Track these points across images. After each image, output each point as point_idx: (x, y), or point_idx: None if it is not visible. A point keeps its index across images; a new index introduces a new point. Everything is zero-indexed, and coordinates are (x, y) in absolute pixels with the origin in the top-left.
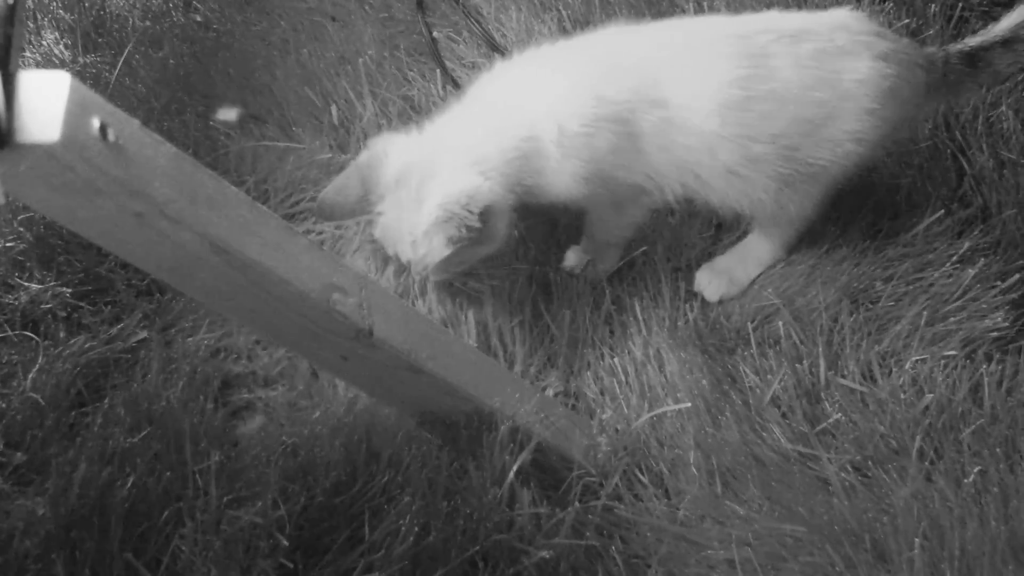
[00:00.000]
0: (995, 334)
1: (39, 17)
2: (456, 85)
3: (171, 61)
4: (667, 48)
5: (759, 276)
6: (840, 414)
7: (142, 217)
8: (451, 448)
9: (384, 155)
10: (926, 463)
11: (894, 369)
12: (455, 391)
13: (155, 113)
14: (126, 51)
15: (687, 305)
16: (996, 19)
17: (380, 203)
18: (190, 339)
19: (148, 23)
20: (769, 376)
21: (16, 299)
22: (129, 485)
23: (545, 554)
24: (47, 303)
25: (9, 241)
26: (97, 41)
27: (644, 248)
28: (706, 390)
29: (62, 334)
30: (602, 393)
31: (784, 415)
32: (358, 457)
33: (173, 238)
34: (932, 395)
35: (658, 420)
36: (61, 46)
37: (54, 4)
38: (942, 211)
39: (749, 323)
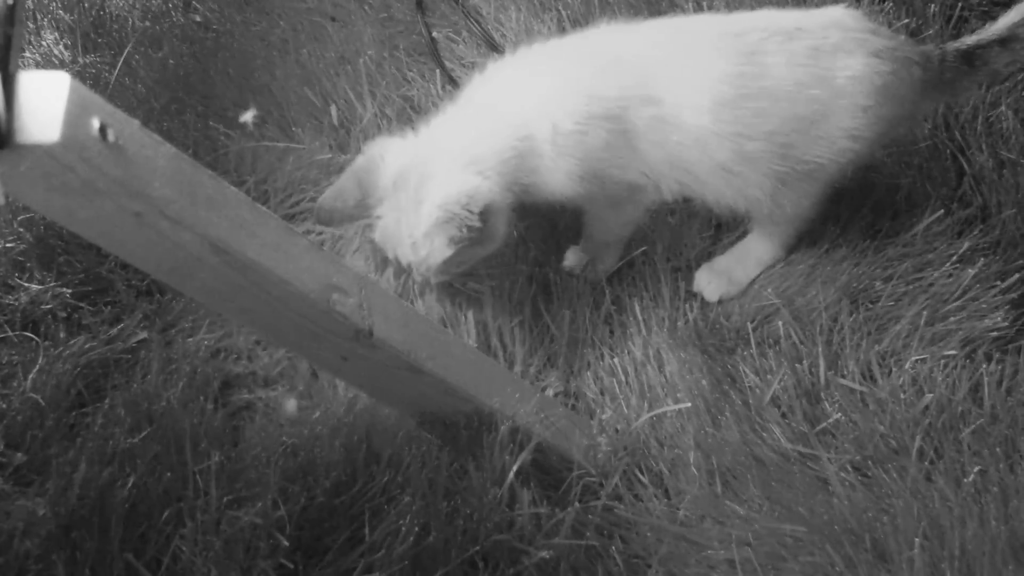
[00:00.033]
0: (995, 334)
1: (39, 17)
2: (456, 85)
3: (171, 61)
4: (660, 46)
5: (759, 276)
6: (840, 414)
7: (142, 217)
8: (451, 448)
9: (381, 159)
10: (926, 463)
11: (894, 369)
12: (455, 391)
13: (155, 113)
14: (126, 51)
15: (687, 305)
16: (995, 19)
17: (378, 207)
18: (190, 339)
19: (148, 23)
20: (769, 376)
21: (16, 300)
22: (129, 485)
23: (545, 554)
24: (47, 304)
25: (9, 242)
26: (97, 41)
27: (644, 248)
28: (706, 390)
29: (62, 335)
30: (602, 393)
31: (784, 415)
32: (358, 457)
33: (173, 239)
34: (932, 395)
35: (658, 420)
36: (61, 46)
37: (54, 4)
38: (942, 211)
39: (749, 323)
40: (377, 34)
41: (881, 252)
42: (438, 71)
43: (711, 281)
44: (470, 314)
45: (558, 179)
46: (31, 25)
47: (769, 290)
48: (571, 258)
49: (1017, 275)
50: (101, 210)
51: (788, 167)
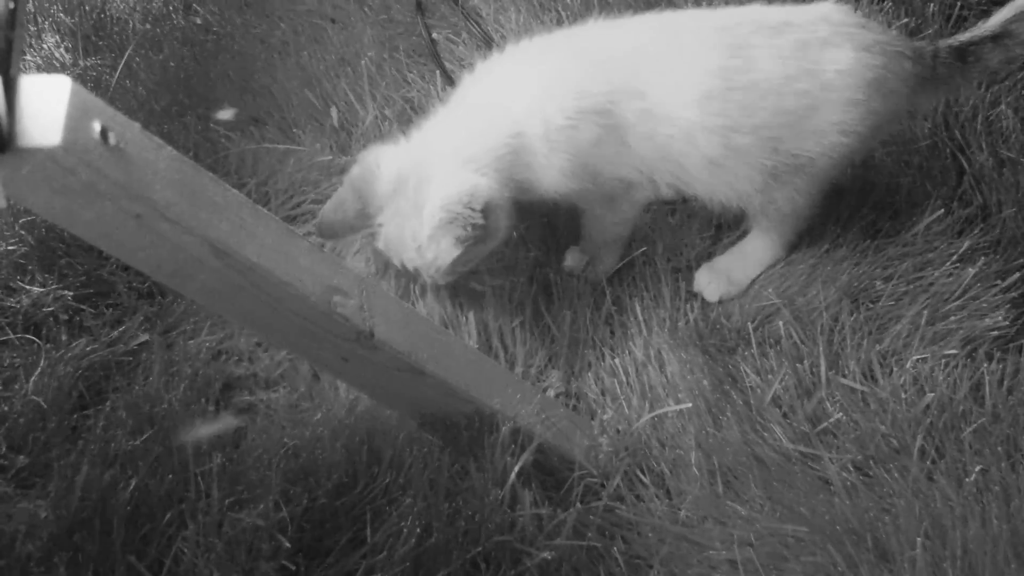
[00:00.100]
0: (995, 333)
1: (40, 20)
2: (455, 86)
3: (171, 64)
4: (648, 40)
5: (759, 276)
6: (841, 414)
7: (143, 220)
8: (452, 449)
9: (376, 167)
10: (927, 462)
11: (895, 368)
12: (456, 392)
13: (155, 116)
14: (126, 54)
15: (687, 305)
16: None
17: (379, 215)
18: (191, 341)
19: (148, 26)
20: (770, 376)
21: (18, 302)
22: (131, 488)
23: (547, 555)
24: (49, 306)
25: (11, 244)
26: (98, 44)
27: (644, 249)
28: (707, 390)
29: (64, 337)
30: (603, 394)
31: (785, 415)
32: (359, 459)
33: (174, 241)
34: (933, 394)
35: (659, 420)
36: (62, 49)
37: (54, 7)
38: (942, 210)
39: (749, 323)
40: (377, 36)
41: (881, 251)
42: (438, 72)
43: (711, 281)
44: (471, 315)
45: (551, 175)
46: (32, 28)
47: (770, 290)
48: (571, 259)
49: (1018, 274)
50: (102, 213)
51: (778, 161)
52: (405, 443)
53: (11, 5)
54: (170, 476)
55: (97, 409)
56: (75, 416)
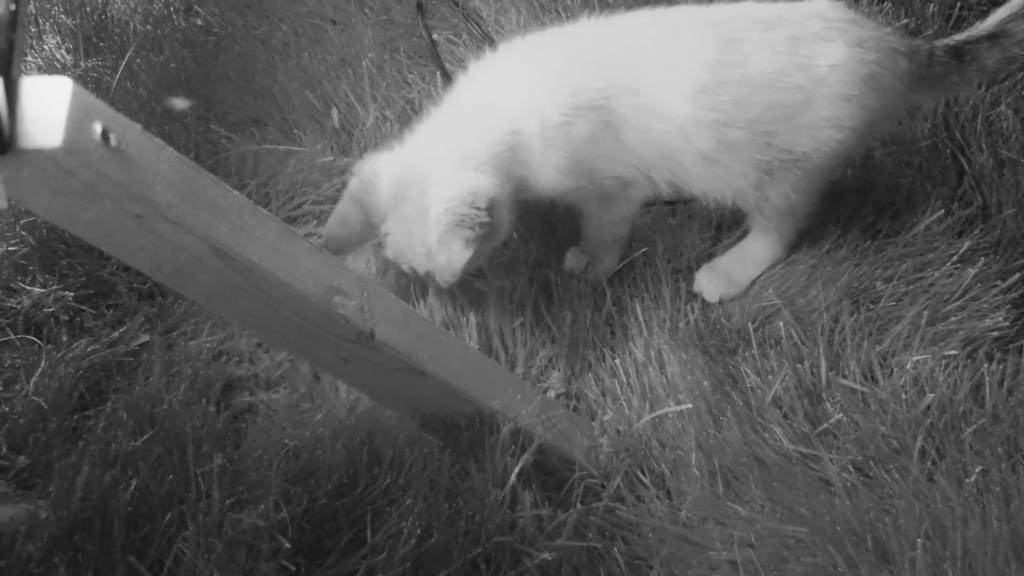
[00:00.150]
0: (996, 333)
1: (41, 22)
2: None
3: (172, 65)
4: (642, 36)
5: (759, 276)
6: (841, 414)
7: (143, 221)
8: (453, 450)
9: (374, 175)
10: (928, 463)
11: (895, 369)
12: (456, 393)
13: (156, 117)
14: (127, 55)
15: (688, 306)
16: None
17: (384, 224)
18: (192, 342)
19: (149, 27)
20: (770, 376)
21: (19, 303)
22: (132, 488)
23: (547, 556)
24: (49, 307)
25: (12, 245)
26: (98, 46)
27: (644, 249)
28: (707, 391)
29: (64, 338)
30: (603, 394)
31: (785, 415)
32: (360, 459)
33: (174, 242)
34: (933, 395)
35: (659, 421)
36: (63, 51)
37: (55, 9)
38: (942, 211)
39: (750, 324)
40: (378, 37)
41: (882, 252)
42: (439, 74)
43: (711, 282)
44: (471, 316)
45: (548, 173)
46: (33, 30)
47: (770, 291)
48: (571, 260)
49: (1018, 275)
50: (103, 214)
51: (771, 156)
52: (405, 444)
53: (12, 7)
54: (170, 477)
55: (98, 410)
56: (76, 417)
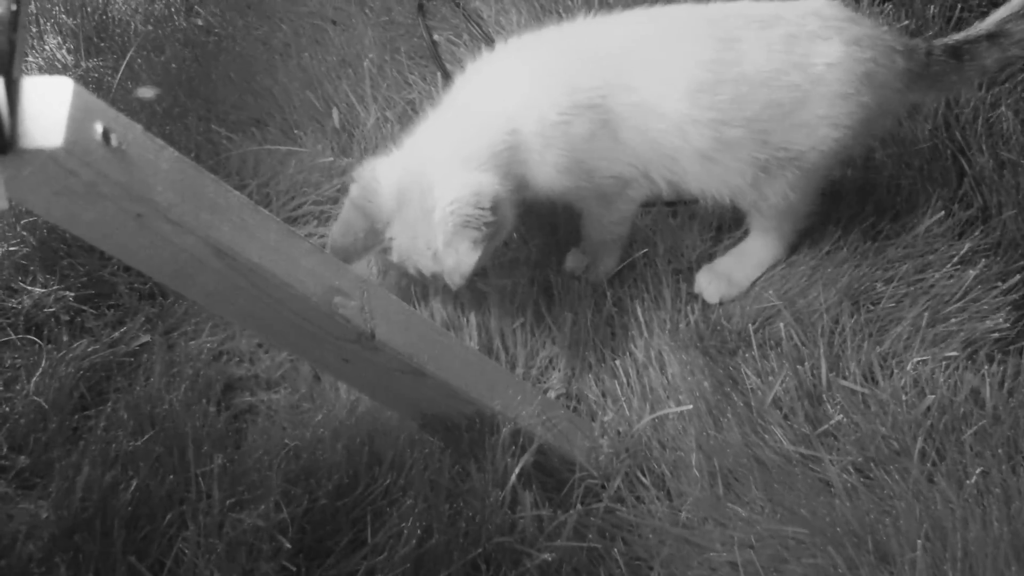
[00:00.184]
0: (996, 335)
1: (42, 22)
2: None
3: (173, 65)
4: (638, 34)
5: (760, 277)
6: (842, 415)
7: (144, 221)
8: (453, 451)
9: (375, 181)
10: (928, 464)
11: (895, 370)
12: (457, 393)
13: (157, 117)
14: (128, 56)
15: (688, 307)
16: None
17: (389, 229)
18: (192, 343)
19: (150, 27)
20: (770, 378)
21: (19, 303)
22: (132, 488)
23: (547, 556)
24: (50, 307)
25: (12, 245)
26: (99, 46)
27: (645, 250)
28: (707, 392)
29: (65, 338)
30: (604, 395)
31: (786, 417)
32: (360, 460)
33: (175, 242)
34: (933, 396)
35: (660, 422)
36: (64, 51)
37: (56, 9)
38: (942, 212)
39: (750, 325)
40: (378, 37)
41: (882, 253)
42: (439, 74)
43: (712, 283)
44: (472, 316)
45: (547, 172)
46: (34, 30)
47: (770, 292)
48: (572, 260)
49: (1018, 276)
50: (104, 214)
51: (769, 154)
52: (406, 444)
53: (13, 7)
54: (171, 477)
55: (98, 410)
56: (76, 417)
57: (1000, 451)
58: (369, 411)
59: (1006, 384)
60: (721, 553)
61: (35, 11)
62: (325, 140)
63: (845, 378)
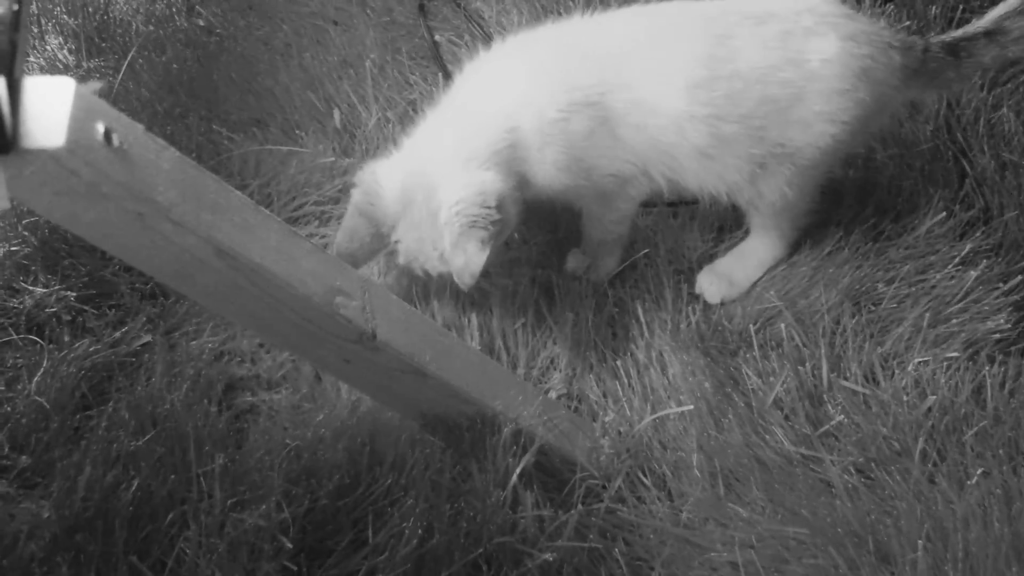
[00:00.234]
0: (997, 336)
1: (43, 22)
2: None
3: (174, 66)
4: (635, 31)
5: (761, 278)
6: (843, 416)
7: (146, 221)
8: (454, 451)
9: (377, 184)
10: (929, 465)
11: (896, 371)
12: (458, 394)
13: (158, 117)
14: (129, 56)
15: (689, 308)
16: None
17: (394, 232)
18: (194, 343)
19: (151, 28)
20: (771, 378)
21: (21, 303)
22: (133, 488)
23: (548, 556)
24: (52, 307)
25: (14, 245)
26: (101, 46)
27: (646, 251)
28: (708, 392)
29: (66, 338)
30: (605, 396)
31: (787, 417)
32: (361, 460)
33: (176, 242)
34: (935, 397)
35: (661, 422)
36: (65, 51)
37: (58, 9)
38: (944, 213)
39: (751, 325)
40: (379, 38)
41: (883, 254)
42: (440, 75)
43: (713, 283)
44: (473, 316)
45: (546, 170)
46: (35, 30)
47: (771, 292)
48: (573, 261)
49: (1019, 277)
50: (105, 214)
51: (765, 151)
52: (407, 444)
53: (15, 7)
54: (172, 477)
55: (100, 410)
56: (78, 416)
57: (1001, 452)
58: (370, 411)
59: (1007, 385)
60: (722, 553)
61: (36, 11)
62: (326, 140)
63: (846, 379)
